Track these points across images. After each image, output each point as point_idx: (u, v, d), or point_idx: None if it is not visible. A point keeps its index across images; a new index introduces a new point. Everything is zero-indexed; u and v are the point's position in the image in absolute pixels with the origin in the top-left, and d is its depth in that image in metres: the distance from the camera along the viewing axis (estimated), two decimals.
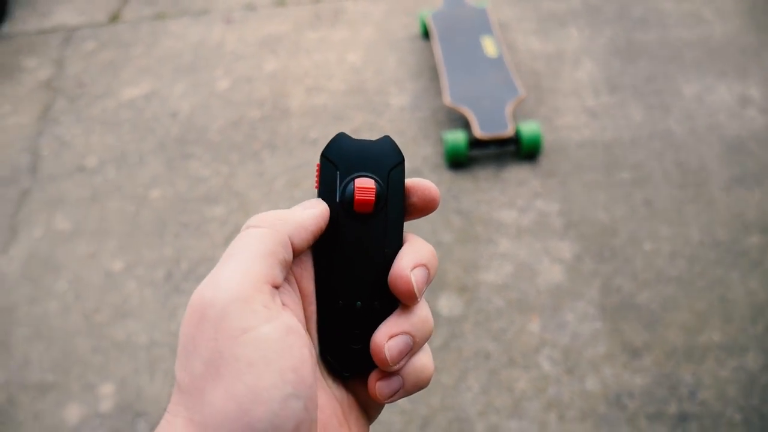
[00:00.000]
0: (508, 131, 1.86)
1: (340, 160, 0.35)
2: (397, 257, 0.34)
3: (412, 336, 0.33)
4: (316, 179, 0.35)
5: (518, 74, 2.15)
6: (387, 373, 0.33)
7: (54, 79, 2.45)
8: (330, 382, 0.34)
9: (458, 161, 1.89)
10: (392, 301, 0.34)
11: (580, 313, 1.52)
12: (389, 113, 2.12)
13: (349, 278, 0.34)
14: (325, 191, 0.35)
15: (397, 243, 0.34)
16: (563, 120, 2.02)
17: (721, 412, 1.32)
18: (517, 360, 1.45)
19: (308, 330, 0.34)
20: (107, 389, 1.51)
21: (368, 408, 0.35)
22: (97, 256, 1.80)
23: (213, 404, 0.28)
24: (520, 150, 1.88)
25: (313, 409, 0.29)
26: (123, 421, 1.45)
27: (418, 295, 0.33)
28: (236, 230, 1.81)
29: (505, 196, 1.81)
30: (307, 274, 0.34)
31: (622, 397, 1.36)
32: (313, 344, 0.34)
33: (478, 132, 1.86)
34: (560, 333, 1.48)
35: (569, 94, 2.11)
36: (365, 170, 0.35)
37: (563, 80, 2.16)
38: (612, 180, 1.82)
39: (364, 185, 0.34)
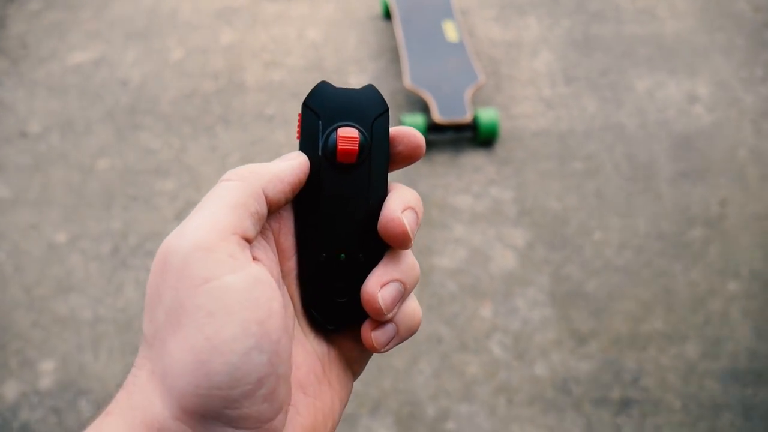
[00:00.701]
0: (467, 117, 1.87)
1: (322, 110, 0.34)
2: (385, 203, 0.33)
3: (403, 283, 0.33)
4: (297, 129, 0.34)
5: (478, 60, 2.16)
6: (380, 323, 0.33)
7: None
8: (311, 337, 0.34)
9: None
10: (377, 252, 0.33)
11: (531, 299, 1.55)
12: None
13: (333, 231, 0.33)
14: (306, 142, 0.33)
15: (382, 193, 0.34)
16: (520, 108, 2.04)
17: (661, 398, 1.37)
18: (468, 345, 1.47)
19: (287, 285, 0.33)
20: (48, 366, 1.45)
21: (352, 363, 0.35)
22: (39, 227, 1.72)
23: (172, 355, 0.27)
24: (477, 136, 1.90)
25: (280, 364, 0.28)
26: (64, 399, 1.40)
27: (411, 236, 0.32)
28: (187, 205, 1.76)
29: (461, 182, 1.82)
30: (285, 229, 0.33)
31: (569, 382, 1.40)
32: (292, 299, 0.33)
33: (437, 116, 1.86)
34: (511, 319, 1.51)
35: (526, 84, 2.13)
36: (349, 120, 0.34)
37: (521, 69, 2.18)
38: (565, 170, 1.86)
39: (348, 134, 0.33)
